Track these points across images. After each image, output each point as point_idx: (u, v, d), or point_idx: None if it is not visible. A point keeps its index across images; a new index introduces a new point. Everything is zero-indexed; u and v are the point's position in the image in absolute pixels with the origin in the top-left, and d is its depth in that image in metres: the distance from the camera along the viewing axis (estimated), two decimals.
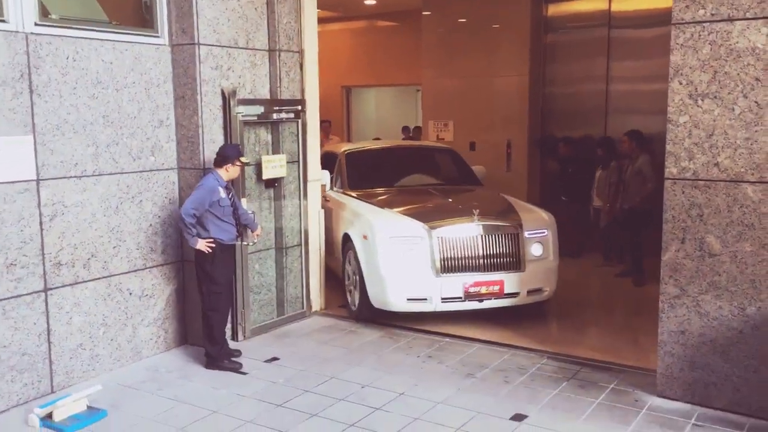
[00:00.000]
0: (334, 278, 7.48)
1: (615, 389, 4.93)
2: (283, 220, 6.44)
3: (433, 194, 7.35)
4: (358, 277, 6.48)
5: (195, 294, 5.63)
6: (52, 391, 4.98)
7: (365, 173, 7.80)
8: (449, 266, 6.10)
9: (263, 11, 6.09)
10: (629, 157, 7.96)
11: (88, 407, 4.68)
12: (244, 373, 5.30)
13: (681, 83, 4.48)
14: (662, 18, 7.65)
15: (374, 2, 11.49)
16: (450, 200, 7.08)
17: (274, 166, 6.21)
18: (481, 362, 5.46)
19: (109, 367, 5.36)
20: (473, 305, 6.16)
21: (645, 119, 9.10)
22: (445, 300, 6.11)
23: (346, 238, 6.74)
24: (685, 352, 4.63)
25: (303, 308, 6.67)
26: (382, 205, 6.83)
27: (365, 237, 6.34)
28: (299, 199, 6.55)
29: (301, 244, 6.60)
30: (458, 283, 6.07)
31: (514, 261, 6.21)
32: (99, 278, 5.24)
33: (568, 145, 9.30)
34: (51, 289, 4.94)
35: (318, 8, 6.81)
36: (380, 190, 7.44)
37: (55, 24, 4.90)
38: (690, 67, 4.44)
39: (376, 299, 6.30)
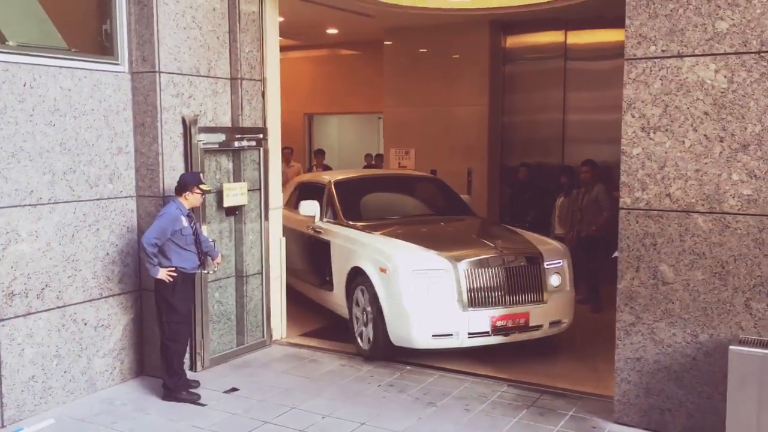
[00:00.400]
0: (296, 305, 7.43)
1: (573, 416, 4.98)
2: (243, 247, 6.40)
3: (440, 224, 7.10)
4: (373, 313, 6.09)
5: (153, 324, 5.54)
6: (3, 426, 4.82)
7: (359, 203, 7.44)
8: (476, 300, 5.87)
9: (225, 40, 6.11)
10: (585, 186, 8.13)
11: None
12: (202, 405, 5.21)
13: (634, 116, 4.62)
14: (616, 51, 7.91)
15: (336, 32, 11.59)
16: (455, 231, 6.89)
17: (235, 194, 6.18)
18: (442, 391, 5.47)
19: (63, 400, 5.22)
20: (499, 339, 5.95)
21: (601, 148, 9.36)
22: (472, 335, 5.85)
23: (355, 272, 6.39)
24: (641, 379, 4.71)
25: (263, 337, 6.61)
26: (395, 236, 6.46)
27: (384, 270, 6.01)
28: (260, 227, 6.52)
29: (262, 273, 6.56)
30: (485, 317, 5.84)
31: (536, 292, 6.07)
32: (53, 308, 5.12)
33: (527, 170, 9.46)
34: (3, 320, 4.81)
35: (281, 36, 6.86)
36: (381, 221, 7.04)
37: (12, 51, 4.84)
38: (642, 101, 4.58)
39: (398, 336, 5.96)
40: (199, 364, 5.90)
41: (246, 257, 6.42)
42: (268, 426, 4.84)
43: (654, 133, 4.57)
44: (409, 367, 6.01)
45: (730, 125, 4.34)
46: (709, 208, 4.42)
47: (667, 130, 4.52)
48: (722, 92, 4.35)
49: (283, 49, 7.79)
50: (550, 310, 6.13)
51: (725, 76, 4.33)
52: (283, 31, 8.84)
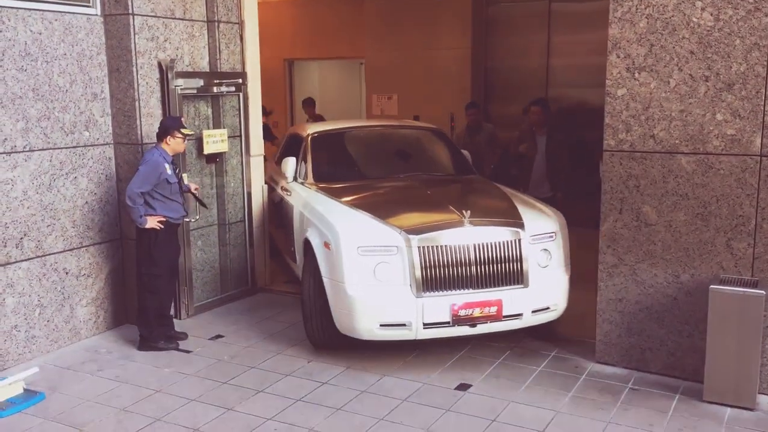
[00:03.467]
0: (279, 254, 7.42)
1: (556, 356, 5.05)
2: (225, 195, 6.33)
3: (416, 188, 5.88)
4: (317, 295, 5.13)
5: (134, 272, 5.50)
6: None
7: (335, 161, 6.51)
8: (433, 282, 4.76)
9: None
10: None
11: (25, 390, 4.55)
12: (188, 351, 5.23)
13: (619, 56, 4.55)
14: None
15: None
16: (435, 195, 5.68)
17: (215, 141, 6.08)
18: None
19: (47, 349, 5.21)
20: (464, 331, 4.81)
21: (586, 92, 9.28)
22: (428, 326, 4.75)
23: (308, 245, 5.36)
24: (622, 320, 4.77)
25: (248, 284, 6.60)
26: (352, 203, 5.44)
27: (327, 246, 4.98)
28: (242, 174, 6.44)
29: (244, 220, 6.51)
30: (445, 304, 4.73)
31: (514, 274, 4.86)
32: (33, 258, 5.06)
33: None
34: None
35: None
36: (352, 183, 6.00)
37: None
38: (627, 41, 4.51)
39: (342, 324, 4.94)
40: (183, 312, 5.90)
41: (228, 205, 6.36)
42: (253, 371, 4.87)
43: (639, 73, 4.51)
44: None
45: (716, 64, 4.29)
46: (693, 149, 4.41)
47: (652, 70, 4.47)
48: (708, 30, 4.29)
49: None
50: (533, 295, 4.89)
51: (711, 14, 4.27)
52: None
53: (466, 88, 10.14)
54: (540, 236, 5.01)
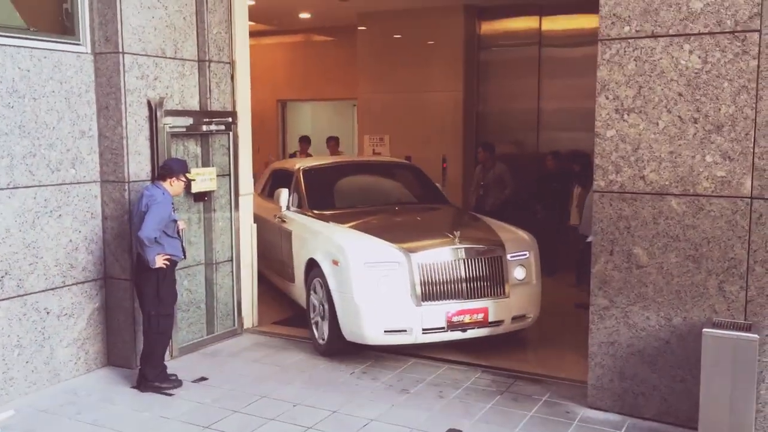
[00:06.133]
0: (268, 293, 7.31)
1: (547, 401, 4.94)
2: (213, 234, 6.26)
3: (404, 214, 6.76)
4: (327, 307, 5.80)
5: (118, 313, 5.41)
6: None
7: (326, 192, 7.10)
8: (430, 293, 5.51)
9: (192, 21, 5.94)
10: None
11: None
12: (169, 394, 5.09)
13: (608, 98, 4.56)
14: (592, 37, 7.82)
15: (309, 16, 11.42)
16: (423, 220, 6.58)
17: (204, 180, 6.03)
18: (415, 377, 5.40)
19: (25, 391, 5.06)
20: (456, 335, 5.59)
21: (576, 136, 9.32)
22: (426, 331, 5.49)
23: (312, 263, 6.08)
24: (614, 363, 4.68)
25: (234, 325, 6.48)
26: (353, 227, 6.14)
27: (336, 263, 5.68)
28: (230, 213, 6.38)
29: (232, 260, 6.42)
30: (440, 312, 5.48)
31: (497, 286, 5.68)
32: (13, 297, 4.95)
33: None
34: None
35: (252, 21, 6.73)
36: (345, 210, 6.73)
37: None
38: (616, 83, 4.52)
39: (350, 332, 5.62)
40: (167, 353, 5.75)
41: (215, 244, 6.28)
42: (237, 415, 4.73)
43: (628, 114, 4.51)
44: (382, 354, 5.93)
45: (704, 106, 4.30)
46: (683, 191, 4.38)
47: (641, 111, 4.47)
48: (696, 73, 4.30)
49: (255, 34, 7.64)
50: (512, 305, 5.72)
51: (699, 57, 4.29)
52: (255, 15, 8.67)
53: (458, 130, 10.20)
54: (517, 254, 5.86)
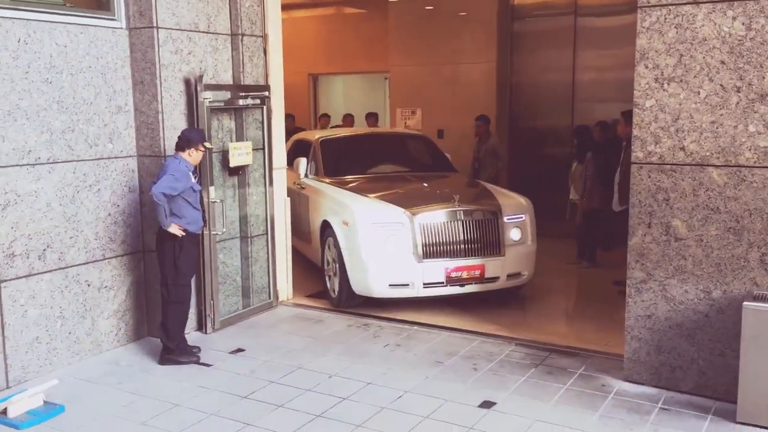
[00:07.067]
0: (302, 267, 7.38)
1: (582, 374, 4.92)
2: (248, 208, 6.31)
3: (411, 180, 7.28)
4: (338, 265, 6.41)
5: (156, 285, 5.48)
6: (8, 386, 4.80)
7: (341, 160, 7.69)
8: (431, 252, 6.11)
9: None
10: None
11: (45, 402, 4.53)
12: (207, 365, 5.18)
13: (647, 67, 4.45)
14: (629, 5, 7.65)
15: None
16: (428, 186, 7.03)
17: (241, 154, 6.07)
18: (449, 350, 5.41)
19: (68, 361, 5.20)
20: (455, 290, 6.17)
21: (613, 107, 9.14)
22: (427, 285, 6.10)
23: (325, 225, 6.69)
24: (651, 337, 4.63)
25: (270, 298, 6.56)
26: (362, 191, 6.75)
27: (346, 223, 6.29)
28: (265, 187, 6.42)
29: (267, 233, 6.48)
30: (440, 268, 6.08)
31: (494, 246, 6.26)
32: (55, 269, 5.07)
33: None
34: (4, 281, 4.76)
35: None
36: (357, 176, 7.35)
37: (5, 5, 4.70)
38: (656, 51, 4.41)
39: (358, 286, 6.27)
40: (209, 326, 5.85)
41: (250, 218, 6.33)
42: (273, 386, 4.81)
43: (668, 84, 4.40)
44: (416, 327, 5.95)
45: (748, 74, 4.17)
46: (725, 161, 4.28)
47: (681, 80, 4.36)
48: (740, 40, 4.17)
49: (286, 7, 7.60)
50: (507, 263, 6.29)
51: (743, 23, 4.15)
52: None
53: (491, 102, 10.07)
54: (513, 217, 6.43)
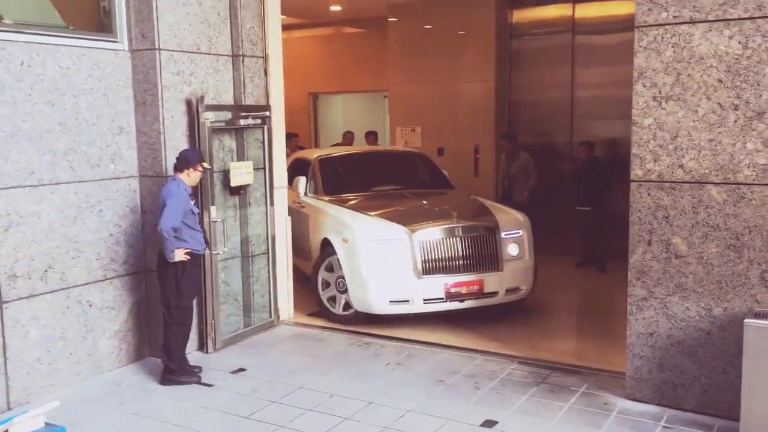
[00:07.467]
0: (303, 285, 7.38)
1: (585, 393, 4.91)
2: (249, 227, 6.33)
3: (410, 198, 7.37)
4: (340, 280, 6.52)
5: (158, 305, 5.48)
6: (9, 408, 4.80)
7: (340, 178, 7.79)
8: (430, 268, 6.18)
9: (226, 16, 6.00)
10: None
11: (46, 424, 4.49)
12: (209, 385, 5.17)
13: (645, 86, 4.49)
14: (626, 24, 7.71)
15: (340, 9, 11.43)
16: (426, 203, 7.14)
17: (242, 173, 6.09)
18: (451, 369, 5.40)
19: (69, 382, 5.19)
20: (454, 305, 6.23)
21: (611, 124, 9.20)
22: (427, 301, 6.17)
23: (326, 243, 6.74)
24: (653, 354, 4.63)
25: (271, 317, 6.55)
26: (361, 209, 6.85)
27: (346, 241, 6.38)
28: (266, 207, 6.44)
29: (268, 252, 6.49)
30: (439, 284, 6.15)
31: (492, 261, 6.34)
32: (57, 290, 5.08)
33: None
34: (6, 302, 4.76)
35: (283, 14, 6.74)
36: (357, 194, 7.44)
37: (8, 29, 4.75)
38: (653, 70, 4.45)
39: (359, 302, 6.34)
40: (210, 345, 5.84)
41: (251, 237, 6.35)
42: (275, 406, 4.80)
43: (666, 102, 4.44)
44: (418, 345, 5.95)
45: (745, 93, 4.21)
46: (724, 179, 4.31)
47: (679, 99, 4.40)
48: (736, 59, 4.22)
49: (286, 27, 7.66)
50: (506, 278, 6.38)
51: (740, 42, 4.20)
52: (286, 9, 8.68)
53: (490, 120, 10.12)
54: (510, 233, 6.51)
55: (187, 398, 4.96)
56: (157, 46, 5.42)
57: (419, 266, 6.16)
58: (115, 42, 5.45)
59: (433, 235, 6.25)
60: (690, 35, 4.33)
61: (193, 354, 5.73)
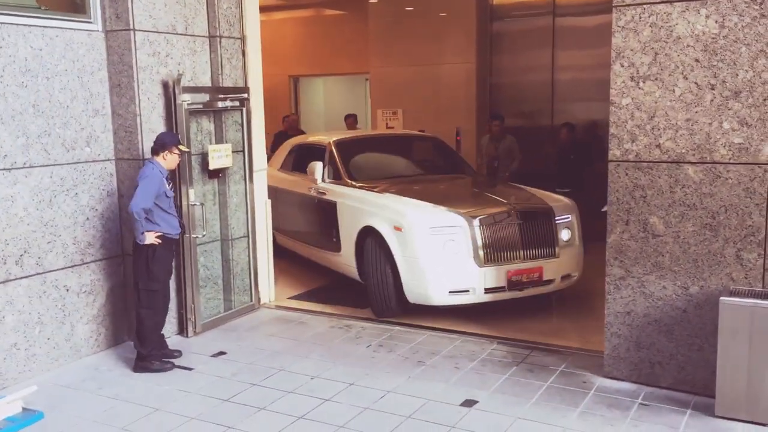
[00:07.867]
0: (286, 269, 7.36)
1: (564, 372, 4.95)
2: (228, 210, 6.29)
3: (447, 183, 7.12)
4: (386, 272, 6.05)
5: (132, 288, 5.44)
6: None
7: (362, 163, 7.38)
8: (491, 255, 5.87)
9: None
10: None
11: (24, 409, 4.48)
12: (189, 369, 5.15)
13: (623, 65, 4.50)
14: (606, 5, 7.70)
15: None
16: (469, 188, 6.93)
17: (220, 156, 6.04)
18: (431, 350, 5.42)
19: (47, 367, 5.14)
20: (514, 294, 5.99)
21: (591, 106, 9.23)
22: (488, 291, 5.88)
23: (366, 231, 6.29)
24: (630, 333, 4.67)
25: (251, 301, 6.53)
26: (406, 195, 6.40)
27: (399, 229, 5.96)
28: (245, 189, 6.40)
29: (248, 235, 6.45)
30: (501, 272, 5.87)
31: (549, 247, 6.11)
32: (33, 275, 5.02)
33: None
34: None
35: None
36: (386, 180, 6.96)
37: None
38: (631, 50, 4.46)
39: (415, 294, 5.97)
40: (191, 329, 5.81)
41: (231, 220, 6.31)
42: (255, 388, 4.79)
43: (643, 82, 4.45)
44: (398, 327, 5.96)
45: (721, 72, 4.23)
46: (700, 158, 4.33)
47: (656, 78, 4.41)
48: (713, 38, 4.23)
49: (265, 9, 7.59)
50: (561, 264, 6.17)
51: (716, 22, 4.21)
52: None
53: (471, 102, 10.12)
54: (562, 218, 6.26)
55: (167, 382, 4.93)
56: (132, 27, 5.34)
57: (480, 254, 5.83)
58: (88, 23, 5.36)
59: (492, 220, 5.94)
60: (667, 14, 4.33)
61: (172, 338, 5.71)
